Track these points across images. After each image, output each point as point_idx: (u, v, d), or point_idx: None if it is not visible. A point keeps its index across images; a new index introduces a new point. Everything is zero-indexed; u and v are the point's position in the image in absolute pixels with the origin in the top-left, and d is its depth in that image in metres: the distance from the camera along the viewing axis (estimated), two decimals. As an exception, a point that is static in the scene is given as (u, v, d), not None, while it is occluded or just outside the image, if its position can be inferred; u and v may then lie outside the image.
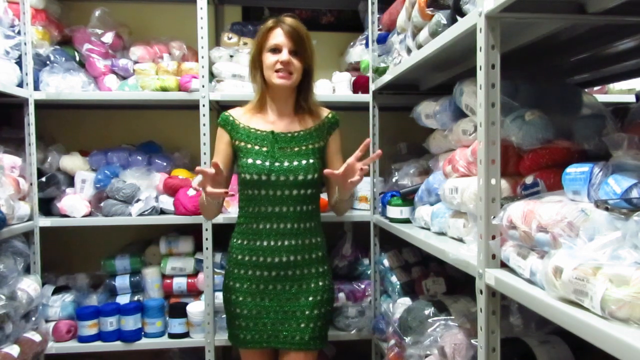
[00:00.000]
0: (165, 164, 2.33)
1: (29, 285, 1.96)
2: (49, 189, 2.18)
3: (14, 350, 1.81)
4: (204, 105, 2.15)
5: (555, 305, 0.82)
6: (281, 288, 1.70)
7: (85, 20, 2.30)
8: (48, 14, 2.23)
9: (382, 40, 2.10)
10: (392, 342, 1.78)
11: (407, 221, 1.83)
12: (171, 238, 2.32)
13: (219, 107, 2.43)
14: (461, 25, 1.18)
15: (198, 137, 2.13)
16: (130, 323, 2.16)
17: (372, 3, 2.17)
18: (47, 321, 2.14)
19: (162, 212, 2.24)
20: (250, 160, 1.66)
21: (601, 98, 2.10)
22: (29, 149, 2.11)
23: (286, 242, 1.68)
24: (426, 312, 1.56)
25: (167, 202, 2.21)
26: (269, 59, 1.64)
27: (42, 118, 2.23)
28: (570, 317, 0.77)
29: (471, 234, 1.26)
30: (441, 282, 1.85)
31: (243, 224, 1.73)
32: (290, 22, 1.65)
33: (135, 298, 2.29)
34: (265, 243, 1.68)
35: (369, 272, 2.28)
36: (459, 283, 1.81)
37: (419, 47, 1.55)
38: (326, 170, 1.58)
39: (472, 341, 1.30)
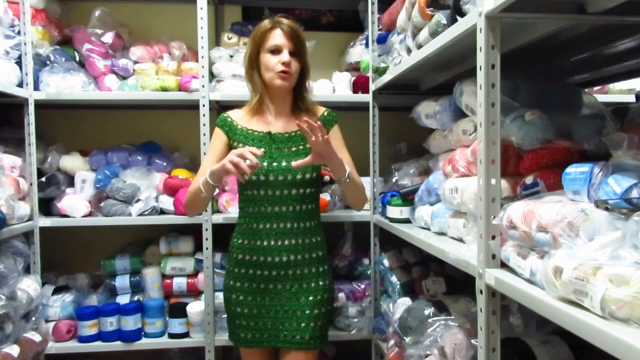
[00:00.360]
0: (165, 164, 2.33)
1: (29, 285, 1.96)
2: (49, 189, 2.18)
3: (14, 350, 1.81)
4: (204, 105, 2.15)
5: (555, 305, 0.82)
6: (281, 287, 1.70)
7: (85, 20, 2.30)
8: (48, 14, 2.23)
9: (382, 40, 2.10)
10: (392, 342, 1.78)
11: (407, 221, 1.83)
12: (171, 238, 2.32)
13: (219, 107, 2.43)
14: (461, 25, 1.18)
15: (198, 137, 2.13)
16: (130, 323, 2.16)
17: (372, 3, 2.17)
18: (47, 321, 2.14)
19: (162, 212, 2.24)
20: (248, 161, 1.65)
21: (601, 98, 2.10)
22: (29, 149, 2.11)
23: (286, 242, 1.68)
24: (426, 312, 1.56)
25: (167, 202, 2.21)
26: (269, 60, 1.64)
27: (42, 118, 2.23)
28: (570, 317, 0.77)
29: (471, 234, 1.26)
30: (441, 282, 1.85)
31: (243, 224, 1.73)
32: (288, 22, 1.66)
33: (135, 298, 2.29)
34: (265, 243, 1.68)
35: (369, 272, 2.28)
36: (459, 283, 1.81)
37: (419, 47, 1.55)
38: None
39: (472, 341, 1.30)
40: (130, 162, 2.28)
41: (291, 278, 1.70)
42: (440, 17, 1.37)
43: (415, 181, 1.92)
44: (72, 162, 2.25)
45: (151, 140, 2.47)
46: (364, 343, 2.29)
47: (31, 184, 2.11)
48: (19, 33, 2.06)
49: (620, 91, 2.36)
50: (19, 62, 2.07)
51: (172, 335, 2.22)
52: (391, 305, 1.93)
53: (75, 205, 2.16)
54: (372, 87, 2.18)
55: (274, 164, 1.66)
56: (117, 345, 2.17)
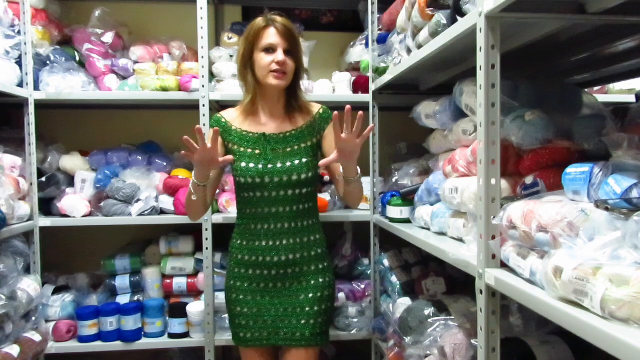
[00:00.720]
0: (165, 164, 2.32)
1: (29, 285, 1.96)
2: (49, 189, 2.18)
3: (14, 350, 1.81)
4: (204, 105, 2.15)
5: (555, 305, 0.82)
6: (281, 286, 1.70)
7: (85, 20, 2.30)
8: (48, 14, 2.23)
9: (382, 40, 2.10)
10: (392, 342, 1.78)
11: (407, 221, 1.83)
12: (171, 238, 2.32)
13: (219, 107, 2.42)
14: (461, 26, 1.18)
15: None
16: (130, 323, 2.16)
17: (372, 3, 2.17)
18: (47, 321, 2.14)
19: (162, 212, 2.24)
20: (244, 164, 1.66)
21: (601, 98, 2.10)
22: (29, 149, 2.11)
23: (284, 242, 1.68)
24: (426, 312, 1.56)
25: (167, 202, 2.21)
26: (263, 59, 1.63)
27: (42, 118, 2.23)
28: (570, 317, 0.77)
29: (471, 234, 1.26)
30: (441, 282, 1.85)
31: (242, 225, 1.73)
32: (282, 21, 1.64)
33: (135, 298, 2.29)
34: (264, 243, 1.68)
35: (369, 272, 2.28)
36: (459, 283, 1.81)
37: (419, 47, 1.55)
38: (321, 162, 1.55)
39: (472, 341, 1.30)
40: (130, 162, 2.29)
41: (291, 276, 1.70)
42: (440, 17, 1.37)
43: (415, 181, 1.92)
44: (72, 162, 2.25)
45: (151, 140, 2.47)
46: (364, 343, 2.29)
47: (31, 184, 2.11)
48: (19, 33, 2.06)
49: (620, 91, 2.36)
50: (19, 62, 2.07)
51: (172, 335, 2.22)
52: (391, 305, 1.93)
53: (75, 205, 2.16)
54: (372, 87, 2.18)
55: (269, 165, 1.65)
56: (117, 345, 2.17)
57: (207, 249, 2.17)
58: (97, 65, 2.24)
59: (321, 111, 1.76)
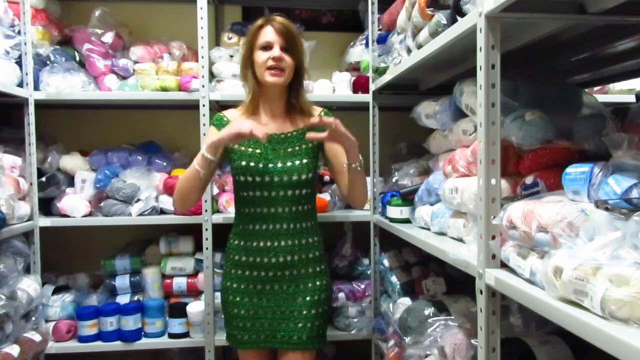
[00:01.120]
0: (165, 164, 2.33)
1: (29, 285, 1.96)
2: (49, 189, 2.18)
3: (14, 350, 1.81)
4: (204, 105, 2.15)
5: (555, 305, 0.82)
6: (278, 288, 1.69)
7: (85, 20, 2.30)
8: (48, 14, 2.23)
9: (382, 40, 2.10)
10: (392, 342, 1.78)
11: (407, 221, 1.83)
12: (171, 238, 2.32)
13: (219, 107, 2.42)
14: (461, 26, 1.18)
15: (198, 137, 2.13)
16: (130, 323, 2.16)
17: (372, 3, 2.17)
18: (47, 321, 2.15)
19: (162, 212, 2.24)
20: (244, 163, 1.66)
21: (601, 98, 2.10)
22: (29, 149, 2.11)
23: (282, 243, 1.68)
24: (426, 312, 1.56)
25: (167, 202, 2.21)
26: (260, 56, 1.63)
27: (42, 118, 2.23)
28: (570, 317, 0.77)
29: (471, 234, 1.26)
30: (441, 282, 1.85)
31: (239, 225, 1.73)
32: (280, 19, 1.65)
33: (135, 298, 2.29)
34: (261, 244, 1.68)
35: (369, 272, 2.28)
36: (459, 283, 1.81)
37: (419, 47, 1.55)
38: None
39: (472, 341, 1.30)
40: (130, 162, 2.29)
41: (288, 279, 1.70)
42: (440, 17, 1.37)
43: (415, 181, 1.92)
44: (72, 162, 2.25)
45: (151, 140, 2.47)
46: (364, 343, 2.29)
47: (31, 184, 2.11)
48: (19, 33, 2.06)
49: (620, 91, 2.36)
50: (19, 62, 2.07)
51: (172, 335, 2.22)
52: (391, 305, 1.93)
53: (75, 205, 2.16)
54: (372, 87, 2.18)
55: (270, 165, 1.65)
56: (117, 345, 2.17)
57: (207, 249, 2.17)
58: (97, 65, 2.24)
59: (322, 114, 1.76)
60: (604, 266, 0.73)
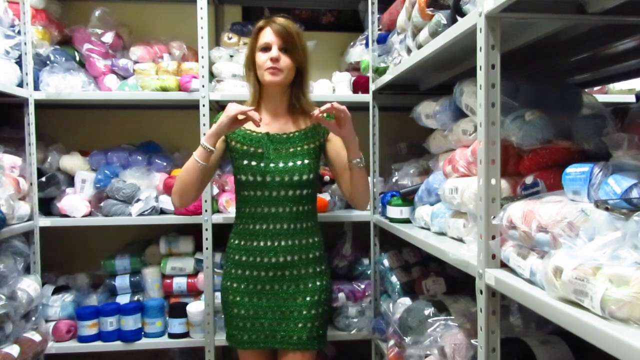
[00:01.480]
0: (165, 164, 2.32)
1: (29, 285, 1.96)
2: (49, 189, 2.18)
3: (14, 350, 1.81)
4: (204, 105, 2.15)
5: (555, 305, 0.82)
6: (278, 288, 1.70)
7: (85, 20, 2.30)
8: (48, 13, 2.23)
9: (382, 40, 2.10)
10: (392, 342, 1.78)
11: (407, 221, 1.83)
12: (171, 238, 2.32)
13: (219, 107, 2.43)
14: (461, 25, 1.18)
15: (198, 137, 2.13)
16: (130, 323, 2.16)
17: (372, 3, 2.17)
18: (47, 321, 2.14)
19: (162, 212, 2.24)
20: (245, 162, 1.66)
21: (601, 98, 2.10)
22: (29, 149, 2.11)
23: (282, 243, 1.68)
24: (426, 312, 1.56)
25: (167, 202, 2.21)
26: (260, 58, 1.65)
27: (42, 118, 2.22)
28: (570, 317, 0.77)
29: (471, 234, 1.26)
30: (441, 282, 1.85)
31: (240, 224, 1.73)
32: (280, 21, 1.66)
33: (135, 298, 2.29)
34: (262, 243, 1.68)
35: (369, 272, 2.28)
36: (459, 283, 1.81)
37: (419, 47, 1.55)
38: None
39: (472, 341, 1.30)
40: (130, 162, 2.29)
41: (288, 279, 1.70)
42: (440, 17, 1.37)
43: (415, 181, 1.92)
44: (72, 162, 2.25)
45: (151, 140, 2.47)
46: (364, 343, 2.29)
47: (31, 184, 2.11)
48: (19, 33, 2.06)
49: (620, 91, 2.36)
50: (19, 62, 2.07)
51: (172, 335, 2.22)
52: (391, 305, 1.93)
53: (75, 205, 2.16)
54: (372, 87, 2.18)
55: (271, 165, 1.65)
56: (117, 345, 2.17)
57: (207, 249, 2.17)
58: (97, 65, 2.24)
59: (325, 115, 1.76)
60: (604, 266, 0.73)
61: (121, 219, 2.16)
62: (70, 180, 2.25)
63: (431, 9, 1.43)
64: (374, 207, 2.18)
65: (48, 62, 2.17)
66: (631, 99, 2.23)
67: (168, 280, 2.29)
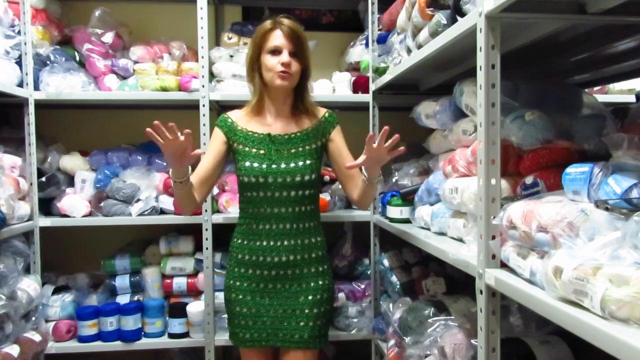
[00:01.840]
0: (165, 164, 2.32)
1: (29, 285, 1.96)
2: (49, 189, 2.18)
3: (14, 350, 1.81)
4: (204, 105, 2.15)
5: (555, 305, 0.82)
6: (281, 287, 1.70)
7: (85, 20, 2.30)
8: (48, 14, 2.23)
9: (382, 40, 2.10)
10: (392, 342, 1.78)
11: (407, 221, 1.83)
12: (171, 238, 2.32)
13: (219, 107, 2.43)
14: (461, 26, 1.18)
15: (198, 137, 2.13)
16: (130, 323, 2.16)
17: (372, 3, 2.17)
18: (47, 321, 2.15)
19: (162, 212, 2.24)
20: (247, 163, 1.67)
21: (601, 98, 2.10)
22: (29, 149, 2.11)
23: (285, 242, 1.68)
24: (426, 312, 1.56)
25: (167, 202, 2.21)
26: (269, 60, 1.64)
27: (42, 118, 2.22)
28: (570, 317, 0.77)
29: (471, 234, 1.26)
30: (441, 282, 1.85)
31: (243, 224, 1.74)
32: (288, 23, 1.65)
33: (135, 298, 2.29)
34: (264, 243, 1.69)
35: (369, 272, 2.28)
36: (459, 283, 1.81)
37: (419, 47, 1.55)
38: (348, 165, 1.60)
39: (472, 341, 1.30)
40: (130, 162, 2.29)
41: (290, 278, 1.70)
42: (440, 17, 1.37)
43: (415, 181, 1.92)
44: (72, 162, 2.25)
45: (151, 140, 2.45)
46: (364, 343, 2.29)
47: (31, 184, 2.11)
48: (19, 33, 2.06)
49: (620, 91, 2.36)
50: (19, 62, 2.07)
51: (172, 335, 2.21)
52: (391, 305, 1.93)
53: (75, 205, 2.16)
54: (372, 87, 2.18)
55: (273, 166, 1.66)
56: (117, 345, 2.17)
57: (207, 249, 2.17)
58: (97, 65, 2.24)
59: (327, 115, 1.78)
60: (604, 266, 0.73)
61: (121, 219, 2.16)
62: (70, 180, 2.25)
63: (431, 9, 1.43)
64: (374, 207, 2.18)
65: (48, 62, 2.17)
66: (631, 99, 2.23)
67: (168, 280, 2.29)
